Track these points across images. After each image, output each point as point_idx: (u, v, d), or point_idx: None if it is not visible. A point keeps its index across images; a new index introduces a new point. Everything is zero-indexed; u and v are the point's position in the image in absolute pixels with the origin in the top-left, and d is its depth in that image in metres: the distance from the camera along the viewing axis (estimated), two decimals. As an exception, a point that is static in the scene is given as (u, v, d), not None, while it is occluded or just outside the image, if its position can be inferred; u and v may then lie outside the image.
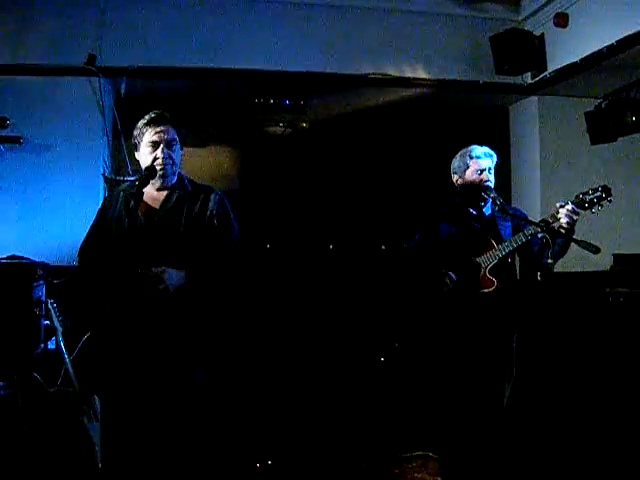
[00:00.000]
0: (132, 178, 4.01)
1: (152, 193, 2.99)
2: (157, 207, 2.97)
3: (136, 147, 3.02)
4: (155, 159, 2.94)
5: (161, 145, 2.93)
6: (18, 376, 3.42)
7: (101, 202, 3.15)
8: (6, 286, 3.61)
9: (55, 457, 3.48)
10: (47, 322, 3.74)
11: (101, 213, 3.06)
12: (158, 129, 2.94)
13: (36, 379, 3.64)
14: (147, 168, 2.93)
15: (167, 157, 2.94)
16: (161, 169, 2.93)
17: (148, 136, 2.94)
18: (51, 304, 3.75)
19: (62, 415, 3.61)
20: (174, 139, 2.98)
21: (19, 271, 3.68)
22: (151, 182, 2.96)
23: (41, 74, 4.71)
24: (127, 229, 2.90)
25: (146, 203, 2.95)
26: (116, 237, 2.90)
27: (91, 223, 3.08)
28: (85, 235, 3.07)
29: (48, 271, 3.91)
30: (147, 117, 2.97)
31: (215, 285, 2.99)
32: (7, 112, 4.50)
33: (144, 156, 2.98)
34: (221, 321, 3.03)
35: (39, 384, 3.70)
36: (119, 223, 2.93)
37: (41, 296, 3.73)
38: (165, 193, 3.00)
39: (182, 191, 3.02)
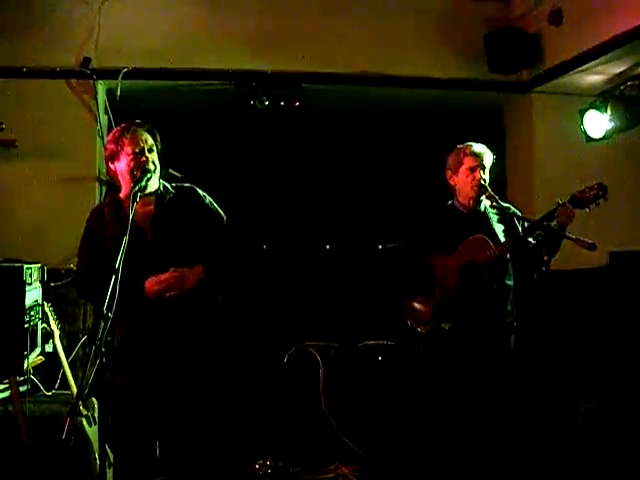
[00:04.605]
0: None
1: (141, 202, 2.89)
2: (155, 214, 2.96)
3: (114, 157, 2.94)
4: (143, 165, 2.90)
5: (145, 151, 2.92)
6: (15, 379, 3.41)
7: (85, 228, 3.06)
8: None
9: (52, 460, 3.47)
10: (44, 325, 3.73)
11: (89, 239, 3.02)
12: (138, 135, 2.92)
13: (33, 382, 3.63)
14: (137, 176, 2.89)
15: (152, 162, 2.94)
16: (149, 174, 2.90)
17: (130, 143, 2.90)
18: (48, 307, 3.74)
19: (59, 418, 3.60)
20: (154, 144, 2.98)
21: (12, 274, 3.66)
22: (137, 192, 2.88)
23: (36, 77, 4.70)
24: (134, 242, 2.72)
25: (139, 213, 2.88)
26: (122, 253, 2.76)
27: (80, 256, 3.05)
28: (81, 267, 3.04)
29: (44, 274, 3.90)
30: (121, 127, 2.96)
31: (232, 273, 3.10)
32: (2, 115, 4.49)
33: (126, 165, 2.91)
34: (230, 319, 3.08)
35: (37, 387, 3.69)
36: (119, 239, 2.74)
37: (37, 299, 3.72)
38: (154, 200, 2.98)
39: (170, 194, 3.01)
